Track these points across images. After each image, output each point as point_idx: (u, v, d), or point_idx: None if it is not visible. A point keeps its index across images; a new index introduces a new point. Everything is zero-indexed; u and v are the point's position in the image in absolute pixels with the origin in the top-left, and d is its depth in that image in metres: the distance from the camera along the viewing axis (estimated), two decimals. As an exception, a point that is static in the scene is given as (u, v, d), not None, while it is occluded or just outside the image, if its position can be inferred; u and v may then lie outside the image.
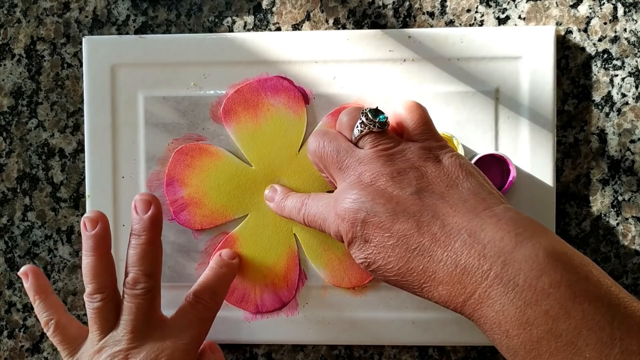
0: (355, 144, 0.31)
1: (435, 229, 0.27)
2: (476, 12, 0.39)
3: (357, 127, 0.30)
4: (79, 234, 0.40)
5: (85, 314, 0.40)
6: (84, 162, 0.40)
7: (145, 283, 0.33)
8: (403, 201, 0.28)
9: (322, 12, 0.39)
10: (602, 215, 0.38)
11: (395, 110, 0.31)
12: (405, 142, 0.30)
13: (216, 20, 0.40)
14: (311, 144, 0.32)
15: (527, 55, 0.37)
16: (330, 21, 0.39)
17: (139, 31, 0.40)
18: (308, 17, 0.39)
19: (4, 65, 0.40)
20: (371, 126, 0.30)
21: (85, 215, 0.34)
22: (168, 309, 0.39)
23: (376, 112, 0.30)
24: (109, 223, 0.34)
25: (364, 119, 0.30)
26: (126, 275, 0.33)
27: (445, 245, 0.26)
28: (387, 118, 0.30)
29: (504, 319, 0.24)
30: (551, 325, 0.23)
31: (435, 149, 0.30)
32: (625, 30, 0.38)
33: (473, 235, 0.26)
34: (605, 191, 0.38)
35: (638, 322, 0.23)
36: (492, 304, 0.25)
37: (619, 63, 0.38)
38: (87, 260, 0.33)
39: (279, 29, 0.39)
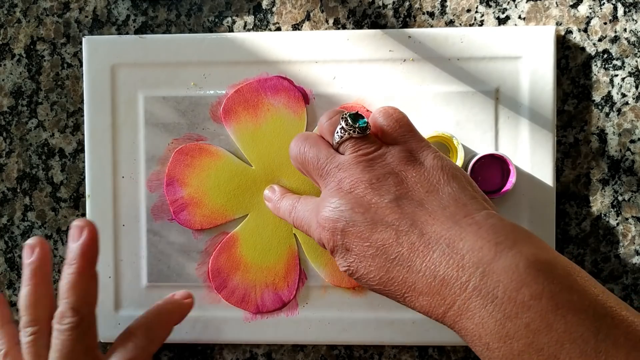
0: (336, 149, 0.30)
1: (413, 238, 0.26)
2: (476, 12, 0.39)
3: (338, 132, 0.30)
4: (79, 234, 0.40)
5: (85, 314, 0.40)
6: (84, 162, 0.40)
7: (71, 317, 0.30)
8: (381, 209, 0.27)
9: (322, 12, 0.39)
10: (602, 215, 0.38)
11: (373, 117, 0.30)
12: (386, 146, 0.29)
13: (216, 20, 0.40)
14: (292, 150, 0.31)
15: (527, 55, 0.37)
16: (330, 21, 0.39)
17: (139, 31, 0.40)
18: (308, 17, 0.39)
19: (4, 65, 0.40)
20: (351, 132, 0.29)
21: (26, 242, 0.32)
22: (168, 309, 0.39)
23: (356, 116, 0.29)
24: (50, 250, 0.32)
25: (343, 124, 0.29)
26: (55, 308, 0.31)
27: (424, 255, 0.25)
28: (367, 123, 0.29)
29: (484, 332, 0.24)
30: (532, 339, 0.22)
31: (417, 151, 0.29)
32: (625, 30, 0.38)
33: (451, 245, 0.25)
34: (605, 191, 0.38)
35: (626, 332, 0.22)
36: (472, 316, 0.24)
37: (619, 63, 0.38)
38: (22, 290, 0.32)
39: (279, 29, 0.39)
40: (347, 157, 0.29)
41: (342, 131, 0.29)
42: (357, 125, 0.29)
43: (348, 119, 0.29)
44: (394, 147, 0.29)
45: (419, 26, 0.39)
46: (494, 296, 0.23)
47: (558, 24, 0.38)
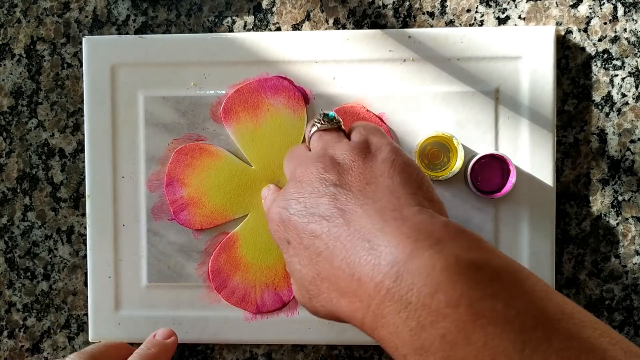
0: (310, 149, 0.30)
1: (340, 230, 0.24)
2: (476, 12, 0.39)
3: (309, 129, 0.30)
4: (79, 234, 0.40)
5: (85, 314, 0.40)
6: (84, 162, 0.40)
7: None
8: (319, 199, 0.25)
9: (322, 12, 0.39)
10: (602, 215, 0.38)
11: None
12: (348, 140, 0.29)
13: (216, 20, 0.40)
14: (285, 167, 0.31)
15: (527, 55, 0.37)
16: (330, 21, 0.39)
17: (139, 31, 0.40)
18: (308, 17, 0.39)
19: (4, 65, 0.40)
20: (319, 124, 0.29)
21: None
22: (168, 309, 0.39)
23: (327, 113, 0.30)
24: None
25: (314, 119, 0.30)
26: None
27: (347, 250, 0.23)
28: (335, 116, 0.30)
29: (400, 342, 0.21)
30: (449, 353, 0.19)
31: (376, 144, 0.28)
32: (625, 30, 0.38)
33: (372, 240, 0.22)
34: (605, 191, 0.38)
35: (560, 349, 0.19)
36: (386, 324, 0.21)
37: (619, 63, 0.38)
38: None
39: (279, 29, 0.39)
40: (312, 150, 0.29)
41: (312, 126, 0.30)
42: (323, 118, 0.29)
43: (320, 113, 0.30)
44: (355, 140, 0.28)
45: (419, 26, 0.39)
46: (408, 301, 0.20)
47: (558, 24, 0.38)
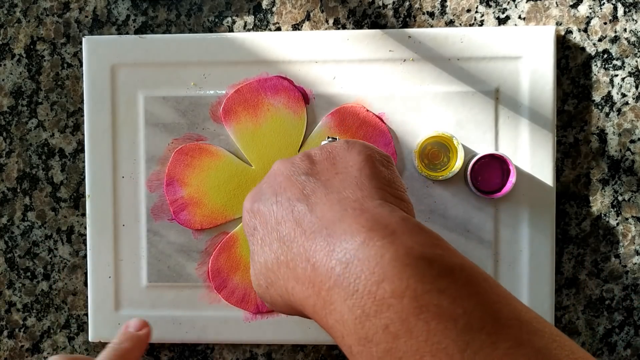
0: None
1: (302, 217, 0.24)
2: (476, 12, 0.39)
3: None
4: (79, 234, 0.40)
5: (85, 314, 0.40)
6: (84, 162, 0.40)
7: None
8: (289, 187, 0.26)
9: (322, 12, 0.39)
10: (602, 215, 0.38)
11: None
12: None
13: (216, 20, 0.40)
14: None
15: (527, 55, 0.37)
16: (330, 21, 0.39)
17: (139, 31, 0.40)
18: (308, 17, 0.39)
19: (4, 65, 0.40)
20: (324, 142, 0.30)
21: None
22: (168, 309, 0.39)
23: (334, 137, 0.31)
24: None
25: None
26: None
27: (306, 237, 0.23)
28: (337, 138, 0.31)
29: (345, 331, 0.21)
30: (391, 344, 0.19)
31: (354, 142, 0.28)
32: (625, 30, 0.38)
33: (329, 228, 0.23)
34: (605, 191, 0.38)
35: (505, 354, 0.18)
36: (334, 311, 0.21)
37: (619, 63, 0.38)
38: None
39: (279, 29, 0.39)
40: None
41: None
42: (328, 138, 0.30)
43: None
44: (337, 141, 0.29)
45: (419, 26, 0.39)
46: (355, 289, 0.20)
47: (558, 24, 0.38)
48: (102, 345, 0.40)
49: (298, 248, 0.23)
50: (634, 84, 0.38)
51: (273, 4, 0.39)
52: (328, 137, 0.31)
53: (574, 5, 0.38)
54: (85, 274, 0.40)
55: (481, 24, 0.39)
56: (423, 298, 0.19)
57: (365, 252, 0.21)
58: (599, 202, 0.38)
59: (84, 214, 0.40)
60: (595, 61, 0.38)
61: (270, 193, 0.26)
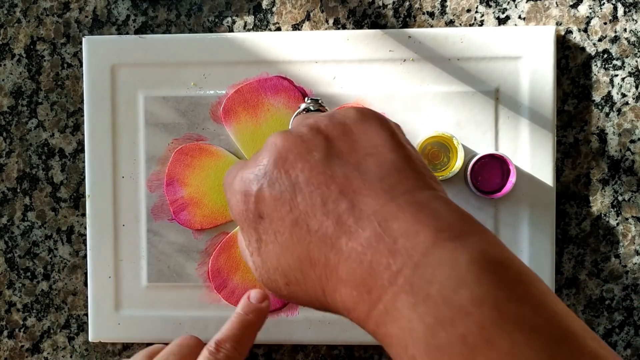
0: None
1: (342, 208, 0.21)
2: (476, 12, 0.39)
3: (292, 116, 0.31)
4: (79, 234, 0.40)
5: (85, 314, 0.40)
6: (84, 162, 0.40)
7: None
8: (307, 169, 0.22)
9: (322, 12, 0.39)
10: (602, 215, 0.38)
11: None
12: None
13: (216, 20, 0.40)
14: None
15: (527, 55, 0.37)
16: (330, 21, 0.39)
17: (139, 31, 0.40)
18: (308, 17, 0.39)
19: (4, 65, 0.40)
20: (303, 105, 0.29)
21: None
22: (168, 309, 0.39)
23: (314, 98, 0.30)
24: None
25: (299, 106, 0.30)
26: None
27: (352, 232, 0.20)
28: (320, 99, 0.30)
29: (411, 340, 0.18)
30: (467, 356, 0.17)
31: (370, 113, 0.24)
32: (625, 30, 0.38)
33: (384, 225, 0.20)
34: (605, 191, 0.38)
35: None
36: (399, 318, 0.19)
37: (619, 63, 0.38)
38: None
39: (279, 29, 0.39)
40: None
41: (295, 111, 0.31)
42: (306, 101, 0.30)
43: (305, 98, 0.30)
44: (345, 109, 0.25)
45: (419, 26, 0.39)
46: (427, 294, 0.18)
47: (558, 24, 0.38)
48: (102, 345, 0.40)
49: (345, 246, 0.20)
50: (634, 84, 0.38)
51: (273, 4, 0.39)
52: (307, 99, 0.29)
53: (574, 5, 0.38)
54: (85, 274, 0.40)
55: (481, 24, 0.39)
56: (505, 306, 0.17)
57: (436, 256, 0.19)
58: (599, 202, 0.38)
59: (84, 214, 0.40)
60: (595, 61, 0.38)
61: (278, 175, 0.22)
